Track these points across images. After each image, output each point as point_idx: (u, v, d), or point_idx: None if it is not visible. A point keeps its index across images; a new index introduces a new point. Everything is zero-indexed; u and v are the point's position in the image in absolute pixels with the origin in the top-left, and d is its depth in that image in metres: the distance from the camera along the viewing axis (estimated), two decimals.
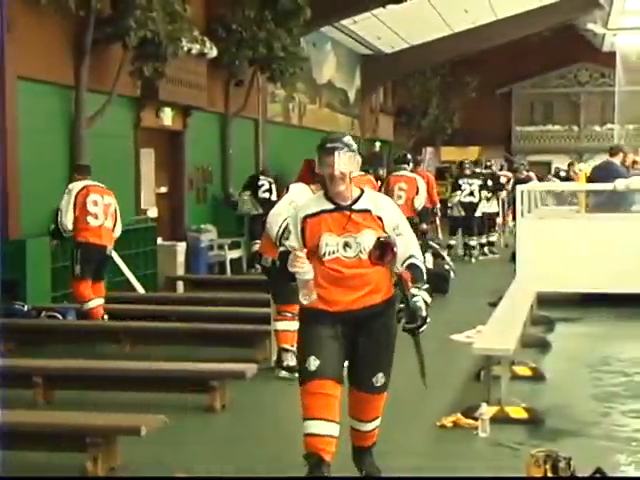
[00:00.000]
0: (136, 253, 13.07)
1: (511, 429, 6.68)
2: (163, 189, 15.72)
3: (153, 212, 14.73)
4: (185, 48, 13.57)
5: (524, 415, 6.92)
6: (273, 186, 16.37)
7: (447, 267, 14.62)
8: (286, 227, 5.20)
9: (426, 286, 4.96)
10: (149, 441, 5.90)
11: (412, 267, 5.02)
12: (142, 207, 14.38)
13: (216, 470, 5.82)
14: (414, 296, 4.89)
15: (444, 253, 15.45)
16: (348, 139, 5.10)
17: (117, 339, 9.33)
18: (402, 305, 4.94)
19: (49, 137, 11.54)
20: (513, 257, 13.56)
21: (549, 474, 5.39)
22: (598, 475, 5.35)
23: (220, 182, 17.27)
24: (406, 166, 14.79)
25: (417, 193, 14.02)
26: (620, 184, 12.68)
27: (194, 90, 14.92)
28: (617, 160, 14.36)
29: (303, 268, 4.89)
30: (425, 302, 4.91)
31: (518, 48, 30.65)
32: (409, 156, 15.42)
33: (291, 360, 8.13)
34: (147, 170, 14.80)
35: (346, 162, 4.97)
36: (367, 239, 4.96)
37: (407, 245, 5.06)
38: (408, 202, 13.79)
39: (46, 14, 10.87)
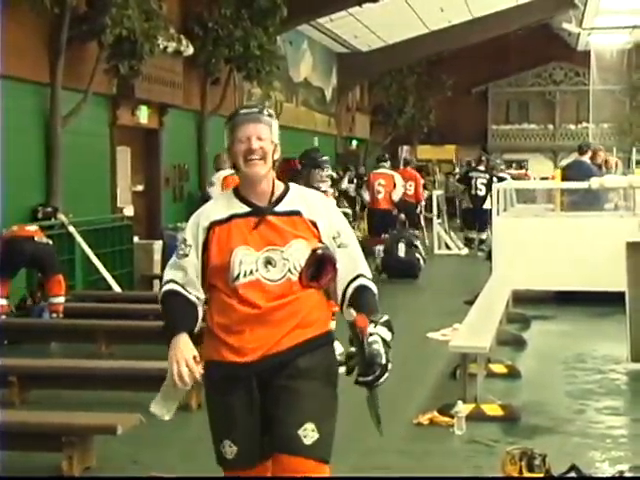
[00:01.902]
0: (112, 252, 13.00)
1: (487, 426, 6.71)
2: (139, 187, 15.64)
3: (129, 210, 14.67)
4: (161, 46, 13.50)
5: (500, 412, 6.95)
6: None
7: (418, 256, 15.69)
8: (183, 241, 3.70)
9: (384, 318, 3.54)
10: (125, 440, 5.89)
11: (362, 291, 3.66)
12: (118, 205, 14.31)
13: (192, 469, 5.81)
14: (370, 335, 3.45)
15: (417, 242, 16.11)
16: (271, 110, 3.79)
17: (93, 338, 9.28)
18: (353, 349, 3.49)
19: (25, 135, 11.46)
20: (489, 255, 13.61)
21: (524, 471, 5.43)
22: (573, 472, 5.38)
23: (197, 180, 17.21)
24: (385, 164, 16.75)
25: (394, 188, 15.93)
26: (595, 183, 12.77)
27: (170, 88, 14.86)
28: (586, 158, 14.46)
29: (187, 381, 3.50)
30: (384, 342, 3.48)
31: (494, 47, 30.75)
32: (387, 155, 17.62)
33: None
34: (123, 168, 14.73)
35: (270, 134, 3.64)
36: (298, 253, 3.58)
37: (353, 260, 3.69)
38: (387, 196, 15.86)
39: (21, 12, 10.79)
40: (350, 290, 3.66)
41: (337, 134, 27.89)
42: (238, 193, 3.69)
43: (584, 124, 34.62)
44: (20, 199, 10.95)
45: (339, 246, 3.67)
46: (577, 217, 12.78)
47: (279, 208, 3.64)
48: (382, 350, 3.44)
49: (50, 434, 5.71)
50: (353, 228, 15.62)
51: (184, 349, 3.52)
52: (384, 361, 3.44)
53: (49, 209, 11.60)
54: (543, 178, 23.51)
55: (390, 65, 28.47)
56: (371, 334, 3.43)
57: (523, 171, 23.00)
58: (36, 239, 9.99)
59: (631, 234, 10.55)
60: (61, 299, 10.14)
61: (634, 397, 8.00)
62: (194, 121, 17.05)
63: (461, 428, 6.59)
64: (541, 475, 5.40)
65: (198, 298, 3.69)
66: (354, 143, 29.68)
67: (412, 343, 9.67)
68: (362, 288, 3.67)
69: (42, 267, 10.22)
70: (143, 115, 14.68)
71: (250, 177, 3.62)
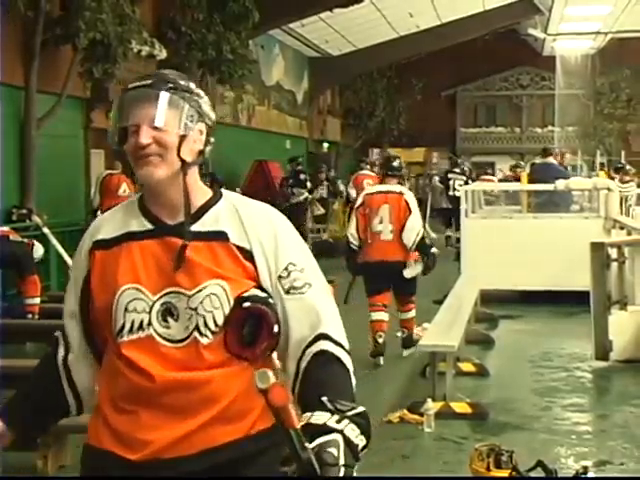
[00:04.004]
0: None
1: (455, 424, 6.72)
2: None
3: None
4: (135, 50, 13.48)
5: (468, 410, 6.96)
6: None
7: None
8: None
9: (358, 410, 2.08)
10: None
11: (324, 362, 2.24)
12: (93, 207, 14.25)
13: None
14: (326, 432, 1.99)
15: None
16: (179, 75, 2.43)
17: None
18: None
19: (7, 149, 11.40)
20: (458, 256, 13.65)
21: (492, 467, 5.45)
22: (539, 468, 5.40)
23: None
24: (367, 166, 19.33)
25: None
26: (560, 184, 12.84)
27: None
28: (552, 160, 14.61)
29: None
30: (350, 448, 2.02)
31: (462, 52, 30.85)
32: (368, 159, 20.88)
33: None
34: (97, 170, 14.66)
35: (178, 120, 2.31)
36: (212, 303, 2.25)
37: (312, 313, 2.29)
38: None
39: None
40: (305, 361, 2.26)
41: (308, 137, 27.89)
42: (142, 202, 2.41)
43: (550, 127, 34.82)
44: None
45: (288, 291, 2.29)
46: (543, 218, 12.83)
47: (196, 227, 2.31)
48: (341, 459, 1.96)
49: None
50: (323, 231, 15.53)
51: None
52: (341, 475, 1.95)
53: (24, 211, 11.53)
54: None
55: (360, 69, 28.52)
56: (330, 430, 2.00)
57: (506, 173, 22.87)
58: (11, 238, 9.91)
59: (595, 235, 10.64)
60: (36, 300, 10.05)
61: (598, 394, 8.07)
62: None
63: (430, 426, 6.59)
64: (508, 471, 5.43)
65: (67, 367, 2.48)
66: (325, 146, 29.69)
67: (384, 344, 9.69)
68: (324, 357, 2.25)
69: (18, 267, 10.12)
70: None
71: (145, 182, 2.34)
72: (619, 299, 9.04)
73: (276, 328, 2.24)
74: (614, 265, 9.09)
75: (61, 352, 2.49)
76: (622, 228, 11.38)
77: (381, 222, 8.97)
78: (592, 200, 13.57)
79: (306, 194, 19.47)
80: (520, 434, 6.53)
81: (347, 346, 2.30)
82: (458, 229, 19.55)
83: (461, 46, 29.05)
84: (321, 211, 21.00)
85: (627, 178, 16.67)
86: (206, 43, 15.80)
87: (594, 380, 8.38)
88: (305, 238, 18.69)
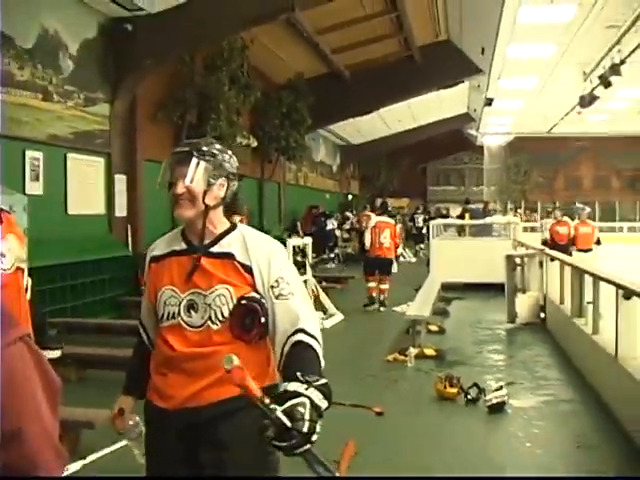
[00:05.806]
0: None
1: (426, 362, 6.69)
2: None
3: None
4: (238, 141, 13.61)
5: (434, 353, 6.93)
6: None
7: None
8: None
9: (322, 381, 1.74)
10: None
11: (299, 349, 1.92)
12: None
13: None
14: (297, 395, 1.67)
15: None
16: (210, 144, 2.19)
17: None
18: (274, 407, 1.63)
19: (160, 195, 11.49)
20: (428, 262, 13.59)
21: (447, 386, 5.42)
22: (475, 387, 5.36)
23: (258, 223, 17.19)
24: (368, 209, 19.18)
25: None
26: (488, 220, 12.82)
27: (243, 166, 14.88)
28: (474, 206, 15.41)
29: (129, 427, 2.13)
30: (315, 408, 1.66)
31: (429, 142, 30.67)
32: (368, 206, 19.89)
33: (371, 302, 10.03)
34: None
35: (201, 175, 2.10)
36: (220, 301, 2.01)
37: (293, 313, 1.97)
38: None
39: (160, 123, 10.92)
40: (287, 347, 1.94)
41: (340, 191, 27.90)
42: (183, 231, 2.18)
43: (481, 187, 34.58)
44: (156, 228, 10.98)
45: (277, 297, 2.00)
46: (477, 240, 12.78)
47: (214, 249, 2.07)
48: (307, 416, 1.63)
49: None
50: (348, 247, 16.08)
51: (116, 404, 2.19)
52: (305, 429, 1.61)
53: None
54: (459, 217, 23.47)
55: (370, 152, 28.50)
56: (300, 394, 1.68)
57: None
58: None
59: (507, 250, 10.55)
60: None
61: (509, 344, 7.96)
62: (257, 185, 17.08)
63: (411, 362, 6.58)
64: (457, 389, 5.40)
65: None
66: (349, 197, 29.67)
67: (384, 314, 9.66)
68: (300, 345, 1.92)
69: None
70: None
71: (179, 219, 2.14)
72: (521, 288, 8.99)
73: (263, 320, 1.98)
74: (519, 268, 9.03)
75: (145, 338, 2.23)
76: (522, 245, 11.27)
77: (385, 238, 10.11)
78: (506, 229, 13.48)
79: (333, 226, 19.41)
80: (464, 368, 6.48)
81: (319, 338, 1.95)
82: (421, 242, 20.00)
83: (429, 138, 28.93)
84: (347, 236, 21.16)
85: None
86: (280, 137, 15.89)
87: (506, 335, 8.29)
88: (335, 248, 18.67)
